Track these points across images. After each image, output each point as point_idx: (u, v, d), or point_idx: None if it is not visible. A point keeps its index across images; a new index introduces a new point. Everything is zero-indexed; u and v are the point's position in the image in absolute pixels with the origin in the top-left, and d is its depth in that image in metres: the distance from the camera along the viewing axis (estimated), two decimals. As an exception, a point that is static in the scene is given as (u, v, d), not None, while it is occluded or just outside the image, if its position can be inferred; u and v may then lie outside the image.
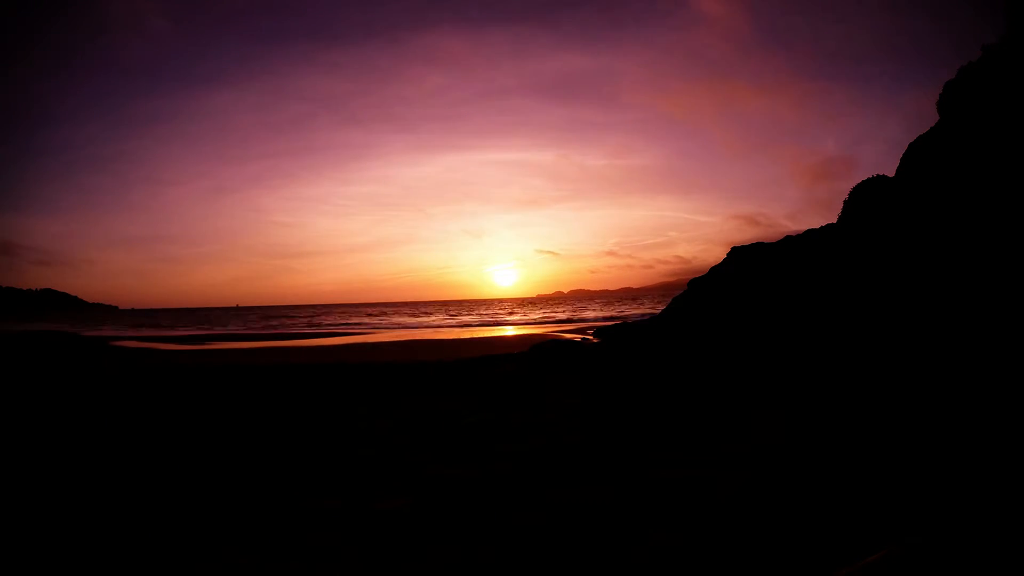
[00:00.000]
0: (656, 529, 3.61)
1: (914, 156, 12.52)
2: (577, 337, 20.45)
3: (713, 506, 3.94)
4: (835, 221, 14.45)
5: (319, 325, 48.30)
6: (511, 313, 60.39)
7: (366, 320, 54.29)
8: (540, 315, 52.63)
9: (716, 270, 16.88)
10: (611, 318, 40.83)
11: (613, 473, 4.77)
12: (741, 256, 16.29)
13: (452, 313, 65.40)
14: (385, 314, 68.89)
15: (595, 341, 18.86)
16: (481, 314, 59.58)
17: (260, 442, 6.35)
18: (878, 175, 13.78)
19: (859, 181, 13.97)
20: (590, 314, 49.92)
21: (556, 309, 67.37)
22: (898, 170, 12.91)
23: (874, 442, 5.11)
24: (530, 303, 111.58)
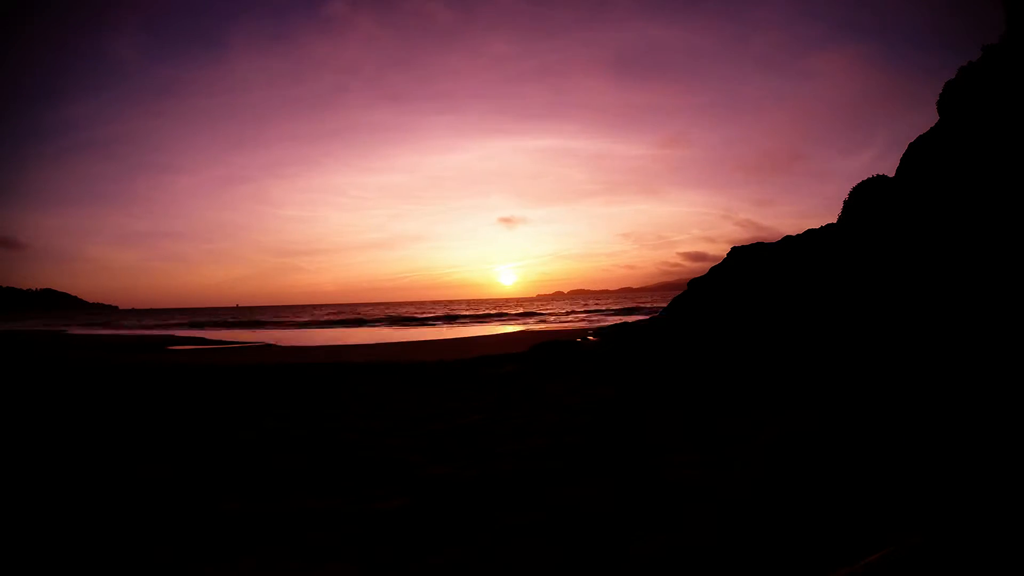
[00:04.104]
0: (657, 529, 3.61)
1: (914, 156, 12.52)
2: (577, 337, 20.43)
3: (714, 507, 3.93)
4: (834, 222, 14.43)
5: (313, 325, 48.29)
6: (511, 313, 60.38)
7: (367, 320, 54.30)
8: (540, 315, 52.63)
9: (716, 270, 16.90)
10: (612, 314, 40.85)
11: (613, 473, 4.77)
12: (741, 256, 16.31)
13: (454, 312, 65.39)
14: (387, 314, 68.88)
15: (595, 341, 18.84)
16: (482, 313, 59.57)
17: (258, 442, 6.34)
18: (878, 175, 13.79)
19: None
20: (589, 314, 49.92)
21: (556, 309, 67.37)
22: (898, 170, 12.91)
23: (874, 442, 5.10)
24: (530, 303, 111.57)
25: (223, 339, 32.43)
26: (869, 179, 13.85)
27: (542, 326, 36.47)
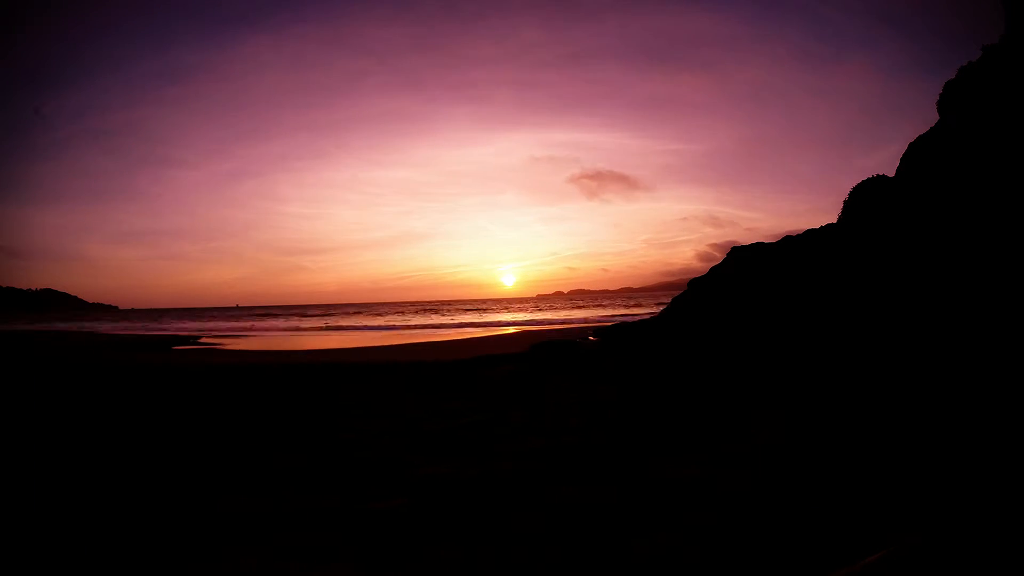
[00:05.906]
0: (657, 529, 3.60)
1: (914, 156, 12.52)
2: (576, 337, 20.42)
3: (714, 506, 3.93)
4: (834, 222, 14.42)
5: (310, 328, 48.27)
6: (511, 313, 60.38)
7: (367, 321, 54.32)
8: (539, 315, 52.63)
9: (716, 270, 16.88)
10: (611, 317, 40.84)
11: (613, 473, 4.76)
12: (741, 256, 16.30)
13: (453, 312, 65.37)
14: (387, 314, 68.88)
15: (594, 341, 18.84)
16: (482, 314, 59.56)
17: (257, 443, 6.34)
18: (878, 175, 13.77)
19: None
20: (590, 314, 49.92)
21: (556, 309, 67.36)
22: (898, 170, 12.90)
23: (874, 442, 5.10)
24: (530, 303, 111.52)
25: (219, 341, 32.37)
26: (869, 179, 13.84)
27: (542, 326, 36.46)
